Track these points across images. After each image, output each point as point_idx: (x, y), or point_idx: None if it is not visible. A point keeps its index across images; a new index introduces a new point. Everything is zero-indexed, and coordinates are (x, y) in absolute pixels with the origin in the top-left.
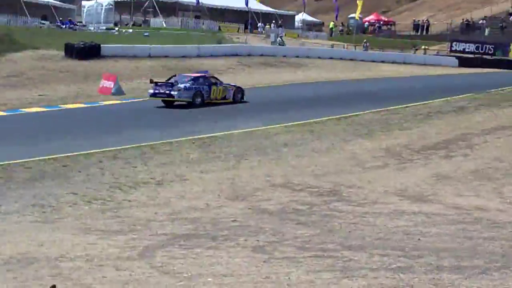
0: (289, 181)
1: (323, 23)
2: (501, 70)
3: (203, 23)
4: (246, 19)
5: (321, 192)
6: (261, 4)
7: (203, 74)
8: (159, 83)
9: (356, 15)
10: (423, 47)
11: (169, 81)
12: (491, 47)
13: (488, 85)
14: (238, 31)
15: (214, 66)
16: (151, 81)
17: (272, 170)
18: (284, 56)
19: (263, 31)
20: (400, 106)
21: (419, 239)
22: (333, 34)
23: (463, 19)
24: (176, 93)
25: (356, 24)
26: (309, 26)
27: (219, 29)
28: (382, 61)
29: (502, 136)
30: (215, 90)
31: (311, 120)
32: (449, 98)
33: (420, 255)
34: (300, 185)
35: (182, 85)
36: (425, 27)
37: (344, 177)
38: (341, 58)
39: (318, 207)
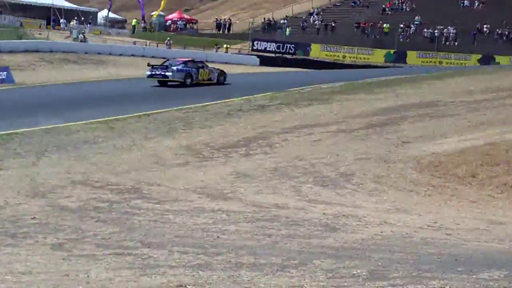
0: (89, 178)
1: (126, 20)
2: (302, 69)
3: (4, 18)
4: (49, 15)
5: (122, 190)
6: (64, 0)
7: (191, 59)
8: (155, 66)
9: (156, 13)
10: (224, 45)
11: (164, 64)
12: (292, 47)
13: (288, 84)
14: (40, 27)
15: (15, 62)
16: (148, 64)
17: (73, 167)
18: (86, 53)
19: (66, 28)
20: (202, 104)
21: (218, 237)
22: (135, 31)
23: (264, 18)
24: (170, 74)
25: (158, 22)
26: (112, 23)
27: (21, 24)
28: None
29: (302, 135)
30: (202, 72)
31: (112, 117)
32: (249, 96)
33: (219, 252)
34: (100, 182)
35: (175, 67)
36: (227, 25)
37: (145, 174)
38: (143, 56)
39: (118, 205)
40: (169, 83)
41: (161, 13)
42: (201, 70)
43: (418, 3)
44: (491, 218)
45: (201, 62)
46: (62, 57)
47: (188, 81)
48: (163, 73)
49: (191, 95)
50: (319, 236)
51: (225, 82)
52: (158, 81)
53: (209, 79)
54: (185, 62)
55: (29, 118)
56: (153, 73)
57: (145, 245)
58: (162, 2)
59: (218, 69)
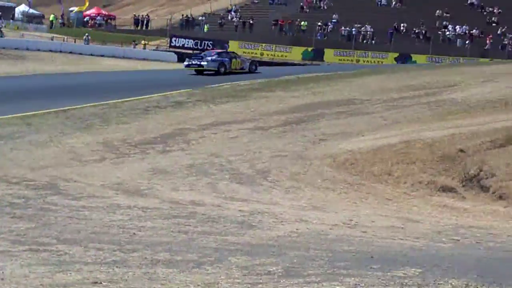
0: (5, 174)
1: (43, 15)
2: None
3: None
4: None
5: (38, 186)
6: None
7: (225, 50)
8: (192, 56)
9: (77, 9)
10: (142, 42)
11: (200, 55)
12: (210, 43)
13: (206, 81)
14: None
15: None
16: (186, 55)
17: None
18: (3, 48)
19: None
20: (119, 100)
21: (134, 233)
22: (53, 26)
23: (183, 15)
24: (205, 63)
25: (76, 17)
26: (29, 18)
27: None
28: (102, 55)
29: (219, 132)
30: (235, 62)
31: (29, 113)
32: (167, 93)
33: (135, 249)
34: (16, 178)
35: (209, 58)
36: (145, 22)
37: (62, 170)
38: (60, 51)
39: (34, 201)
40: (204, 72)
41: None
42: (233, 60)
43: (336, 2)
44: (406, 216)
45: (234, 53)
46: None
47: (222, 69)
48: (198, 62)
49: (110, 91)
50: (235, 233)
51: (256, 71)
52: (195, 70)
53: (242, 68)
54: (219, 53)
55: None
56: (190, 63)
57: (61, 242)
58: (86, 3)
59: (250, 59)
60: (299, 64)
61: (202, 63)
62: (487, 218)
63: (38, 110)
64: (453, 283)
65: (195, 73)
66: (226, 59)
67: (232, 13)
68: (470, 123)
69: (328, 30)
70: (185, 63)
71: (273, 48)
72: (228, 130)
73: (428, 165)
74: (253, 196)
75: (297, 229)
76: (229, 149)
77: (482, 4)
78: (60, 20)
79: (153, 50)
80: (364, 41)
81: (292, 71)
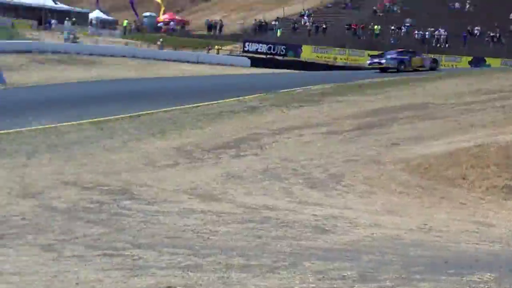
0: (79, 179)
1: (117, 21)
2: (293, 71)
3: None
4: (40, 16)
5: (112, 190)
6: (56, 1)
7: (405, 49)
8: (373, 56)
9: (160, 19)
10: (216, 47)
11: (380, 54)
12: (283, 48)
13: (279, 85)
14: (31, 28)
15: (5, 62)
16: (369, 55)
17: (63, 168)
18: (78, 53)
19: (56, 28)
20: (193, 105)
21: (208, 238)
22: (127, 32)
23: (255, 20)
24: (384, 61)
25: (149, 23)
26: (103, 24)
27: (13, 25)
28: (175, 60)
29: (292, 136)
30: (415, 60)
31: (103, 118)
32: (241, 97)
33: (209, 253)
34: (90, 183)
35: (389, 56)
36: (218, 27)
37: (135, 175)
38: (134, 56)
39: (108, 205)
40: (387, 69)
41: (152, 13)
42: (413, 58)
43: (409, 5)
44: (481, 220)
45: (414, 51)
46: (53, 58)
47: (401, 67)
48: (379, 61)
49: (184, 96)
50: (309, 238)
51: (437, 68)
52: (378, 68)
53: (422, 66)
54: (398, 52)
55: (19, 118)
56: (372, 61)
57: (135, 246)
58: (161, 6)
59: (431, 57)
60: (373, 68)
61: (381, 61)
62: None
63: (111, 115)
64: None
65: (378, 71)
66: (406, 57)
67: (305, 17)
68: None
69: (402, 34)
70: (368, 61)
71: (347, 53)
72: (301, 134)
73: (503, 169)
74: (327, 201)
75: (371, 233)
76: (302, 154)
77: None
78: (133, 26)
79: (227, 55)
80: (438, 45)
81: (366, 75)
